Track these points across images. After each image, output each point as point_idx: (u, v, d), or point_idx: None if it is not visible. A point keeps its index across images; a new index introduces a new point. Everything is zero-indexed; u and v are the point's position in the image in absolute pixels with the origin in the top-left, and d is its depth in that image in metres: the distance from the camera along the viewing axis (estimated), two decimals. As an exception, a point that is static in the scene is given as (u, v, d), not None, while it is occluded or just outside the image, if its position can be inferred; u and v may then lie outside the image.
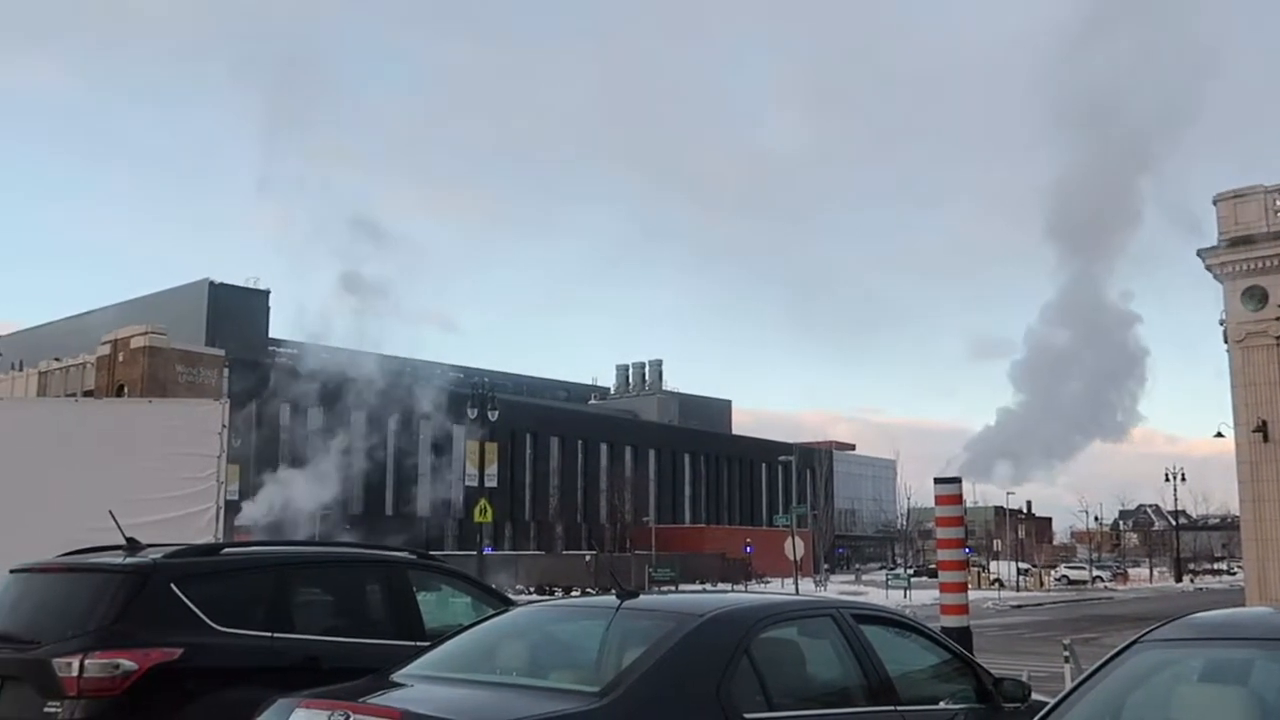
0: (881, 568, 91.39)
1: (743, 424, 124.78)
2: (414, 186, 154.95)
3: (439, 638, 5.90)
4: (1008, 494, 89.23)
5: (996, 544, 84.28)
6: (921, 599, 44.76)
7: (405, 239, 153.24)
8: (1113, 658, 3.94)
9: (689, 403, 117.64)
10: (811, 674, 5.55)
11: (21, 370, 78.08)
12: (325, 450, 63.45)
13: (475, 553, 46.78)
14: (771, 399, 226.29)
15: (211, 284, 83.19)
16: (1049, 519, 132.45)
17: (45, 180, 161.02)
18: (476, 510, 44.16)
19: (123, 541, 6.94)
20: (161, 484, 12.21)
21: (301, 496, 59.03)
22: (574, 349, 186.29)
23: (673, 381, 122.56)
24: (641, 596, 5.62)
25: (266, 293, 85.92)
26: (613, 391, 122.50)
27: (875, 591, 51.47)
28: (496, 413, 47.62)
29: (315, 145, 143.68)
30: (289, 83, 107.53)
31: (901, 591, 52.95)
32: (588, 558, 68.36)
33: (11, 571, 6.78)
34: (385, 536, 50.58)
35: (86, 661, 5.81)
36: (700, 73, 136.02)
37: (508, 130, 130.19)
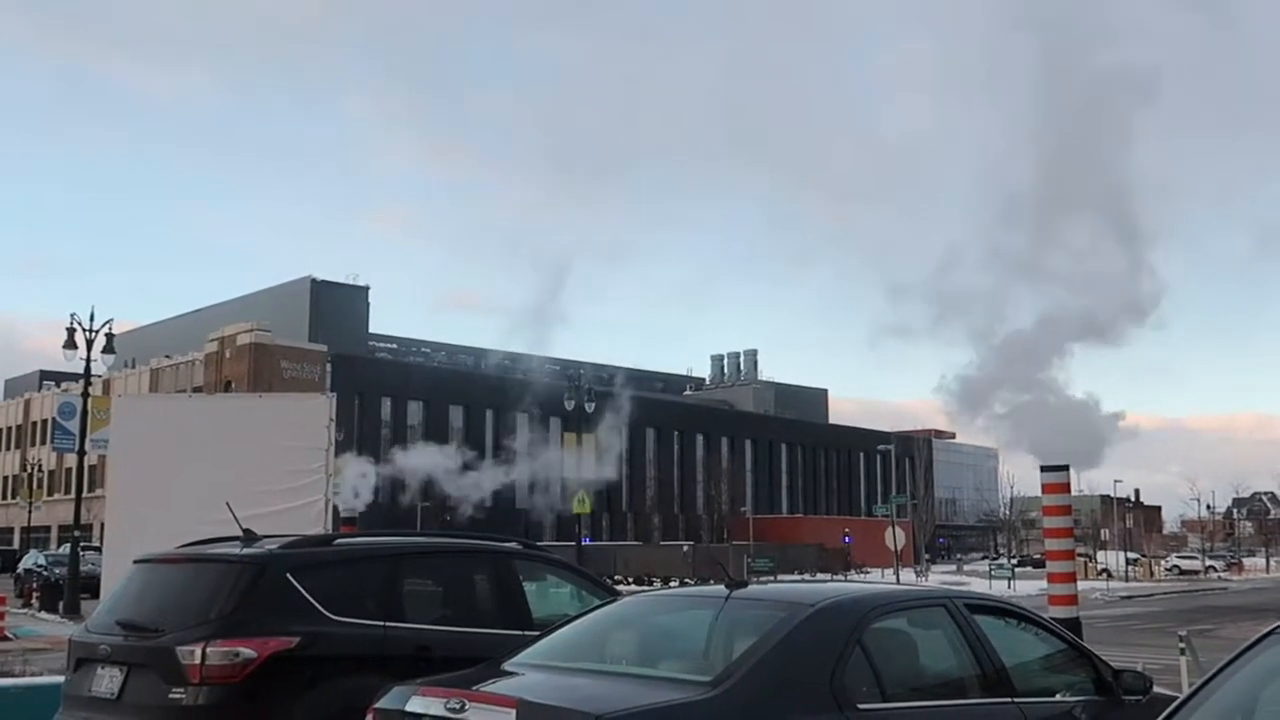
0: (983, 558, 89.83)
1: (841, 413, 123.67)
2: (518, 181, 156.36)
3: (547, 627, 5.93)
4: (1115, 482, 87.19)
5: (1104, 533, 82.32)
6: (1026, 589, 43.92)
7: (513, 234, 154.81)
8: (1248, 649, 3.79)
9: (785, 392, 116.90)
10: (925, 665, 5.47)
11: (134, 368, 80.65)
12: (425, 442, 64.38)
13: (574, 543, 47.08)
14: (871, 387, 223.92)
15: (314, 281, 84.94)
16: (1158, 507, 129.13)
17: (156, 181, 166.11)
18: (575, 501, 44.50)
19: (239, 533, 7.07)
20: (273, 477, 12.51)
21: (402, 489, 60.04)
22: (669, 340, 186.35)
23: (768, 371, 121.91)
24: (750, 586, 5.59)
25: (366, 289, 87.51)
26: (708, 382, 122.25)
27: (978, 582, 50.58)
28: (594, 405, 47.85)
29: (428, 142, 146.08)
30: (407, 80, 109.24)
31: (1005, 582, 52.01)
32: (685, 548, 68.38)
33: (136, 562, 6.97)
34: (483, 528, 51.18)
35: (208, 649, 5.94)
36: (816, 58, 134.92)
37: (610, 126, 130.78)
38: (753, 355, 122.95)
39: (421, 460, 52.87)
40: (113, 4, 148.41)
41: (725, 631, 5.19)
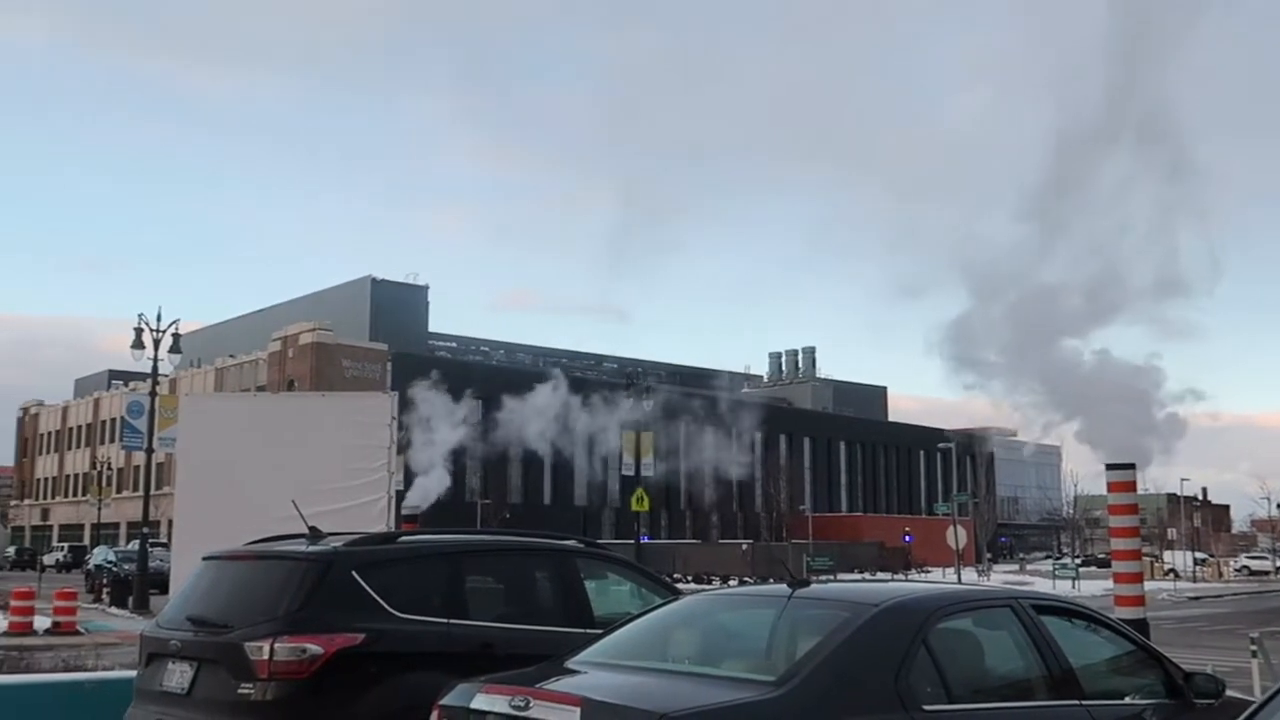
0: (1046, 557, 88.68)
1: (901, 410, 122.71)
2: (577, 179, 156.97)
3: (610, 625, 5.94)
4: (1182, 480, 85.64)
5: (1171, 533, 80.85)
6: (1091, 589, 43.29)
7: (572, 232, 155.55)
8: None
9: (843, 389, 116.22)
10: (991, 666, 5.40)
11: (200, 367, 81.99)
12: (484, 441, 64.72)
13: (633, 541, 47.14)
14: (931, 385, 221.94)
15: (374, 280, 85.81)
16: (1226, 506, 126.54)
17: (222, 182, 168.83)
18: (634, 499, 44.55)
19: (305, 530, 7.14)
20: (336, 474, 12.65)
21: (462, 486, 60.46)
22: (727, 338, 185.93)
23: (826, 368, 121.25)
24: (813, 585, 5.56)
25: (425, 288, 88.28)
26: (765, 379, 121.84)
27: (1041, 582, 49.94)
28: (652, 402, 47.87)
29: (488, 141, 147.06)
30: (468, 79, 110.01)
31: (1070, 582, 51.30)
32: (744, 547, 68.23)
33: (204, 559, 7.07)
34: (543, 526, 51.41)
35: (276, 645, 6.00)
36: (876, 51, 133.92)
37: (669, 123, 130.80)
38: (811, 353, 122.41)
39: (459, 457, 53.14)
40: (180, 7, 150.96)
41: (788, 631, 5.17)
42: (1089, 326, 16.10)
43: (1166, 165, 15.47)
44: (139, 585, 31.92)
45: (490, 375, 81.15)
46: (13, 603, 23.22)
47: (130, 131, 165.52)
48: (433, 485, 42.36)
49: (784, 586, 5.41)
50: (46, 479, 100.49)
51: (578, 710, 4.29)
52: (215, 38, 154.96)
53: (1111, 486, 16.07)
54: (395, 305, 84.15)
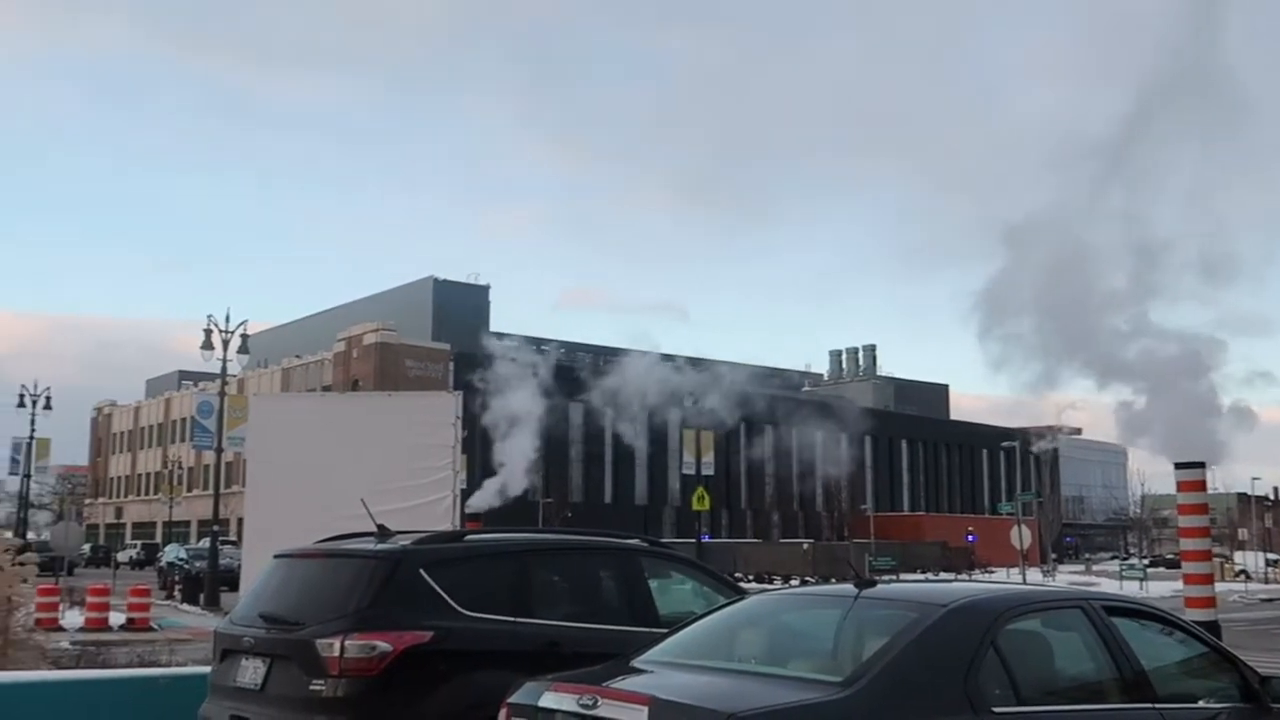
0: (1113, 557, 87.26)
1: (963, 409, 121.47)
2: (641, 178, 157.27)
3: (675, 625, 5.95)
4: (1253, 480, 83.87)
5: (1241, 533, 79.18)
6: (1159, 591, 42.53)
7: (634, 230, 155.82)
8: None
9: (905, 387, 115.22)
10: (1062, 668, 5.34)
11: (267, 367, 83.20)
12: (546, 440, 64.99)
13: (694, 540, 47.13)
14: (995, 383, 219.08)
15: (436, 280, 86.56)
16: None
17: (289, 184, 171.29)
18: (694, 498, 44.58)
19: (374, 528, 7.23)
20: (402, 473, 12.78)
21: (523, 485, 60.70)
22: (787, 335, 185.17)
23: (887, 366, 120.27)
24: (879, 585, 5.53)
25: (487, 287, 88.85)
26: (825, 377, 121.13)
27: (1108, 583, 49.14)
28: (712, 401, 47.82)
29: (551, 140, 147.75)
30: (530, 79, 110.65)
31: (1137, 583, 50.42)
32: (805, 546, 67.94)
33: (275, 557, 7.19)
34: (604, 525, 51.53)
35: (346, 642, 6.06)
36: (945, 50, 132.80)
37: (735, 122, 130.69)
38: (871, 351, 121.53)
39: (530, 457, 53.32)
40: (245, 14, 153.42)
41: (854, 631, 5.15)
42: (1146, 310, 15.88)
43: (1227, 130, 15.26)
44: (210, 582, 32.49)
45: (550, 374, 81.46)
46: (89, 599, 23.77)
47: (200, 134, 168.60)
48: (506, 484, 42.55)
49: (850, 586, 5.39)
50: (120, 478, 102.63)
51: (646, 709, 4.32)
52: (282, 41, 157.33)
53: (1181, 486, 15.82)
54: (457, 305, 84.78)
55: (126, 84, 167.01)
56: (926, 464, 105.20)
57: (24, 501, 69.11)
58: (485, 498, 41.52)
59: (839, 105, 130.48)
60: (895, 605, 5.19)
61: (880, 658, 4.58)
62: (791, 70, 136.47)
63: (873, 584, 5.46)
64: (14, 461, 65.35)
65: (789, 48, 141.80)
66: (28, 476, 64.24)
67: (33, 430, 59.88)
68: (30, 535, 49.81)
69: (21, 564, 11.35)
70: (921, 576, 55.70)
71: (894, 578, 49.46)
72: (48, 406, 58.93)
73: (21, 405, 58.19)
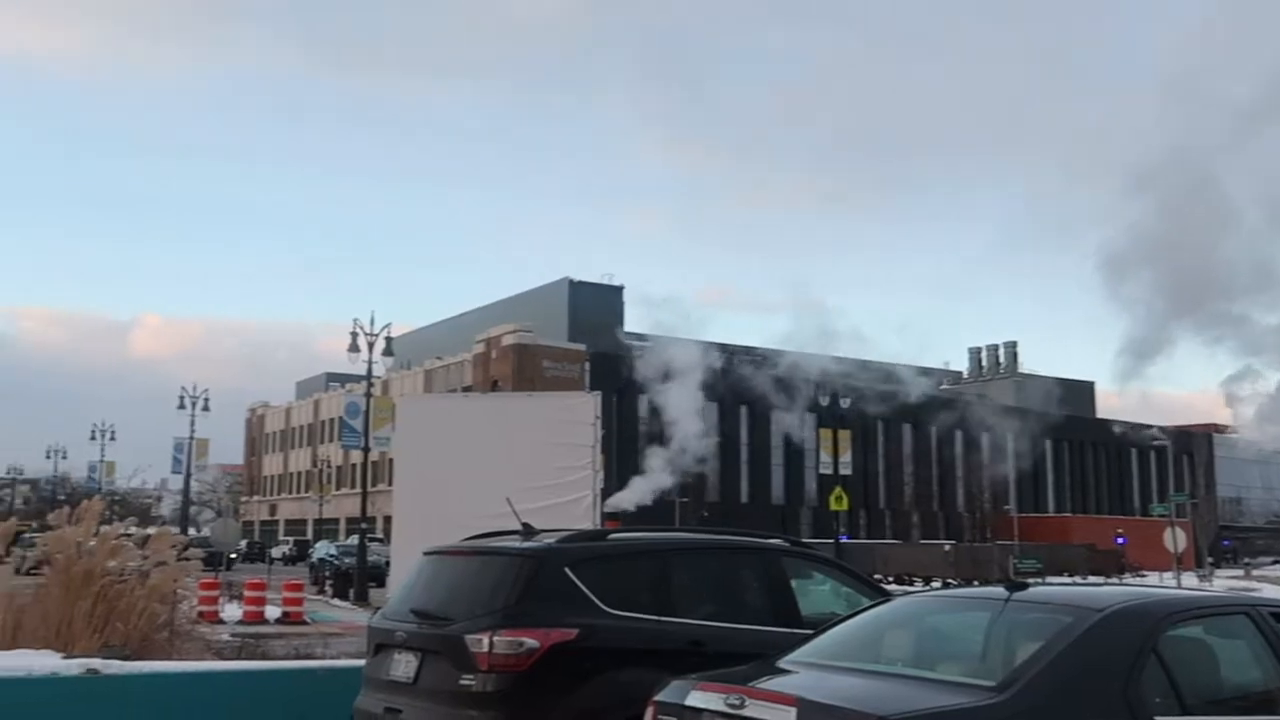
0: (1274, 562, 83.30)
1: (1110, 407, 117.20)
2: (773, 177, 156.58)
3: (820, 626, 5.91)
4: None
5: None
6: (1328, 597, 40.41)
7: (768, 229, 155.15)
8: None
9: (1048, 385, 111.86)
10: (1227, 677, 5.13)
11: (410, 369, 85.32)
12: (681, 439, 65.23)
13: (832, 541, 46.67)
14: (1145, 377, 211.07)
15: (571, 282, 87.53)
16: None
17: (426, 189, 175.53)
18: (832, 498, 44.15)
19: (519, 527, 7.36)
20: (544, 472, 12.98)
21: (660, 485, 61.03)
22: (924, 333, 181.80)
23: (1029, 363, 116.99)
24: (1032, 588, 5.41)
25: (621, 288, 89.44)
26: (965, 375, 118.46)
27: (1270, 588, 46.92)
28: (849, 400, 47.29)
29: (684, 140, 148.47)
30: (663, 79, 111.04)
31: (1302, 589, 48.01)
32: (946, 547, 66.62)
33: (425, 554, 7.38)
34: (740, 524, 51.37)
35: (495, 639, 6.19)
36: (1077, 37, 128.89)
37: (866, 117, 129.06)
38: (1012, 347, 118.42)
39: (680, 456, 53.54)
40: (382, 24, 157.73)
41: (1004, 635, 5.05)
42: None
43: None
44: (359, 578, 33.46)
45: (685, 374, 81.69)
46: (246, 593, 24.72)
47: (343, 142, 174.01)
48: (651, 485, 42.83)
49: (1000, 589, 5.30)
50: (273, 476, 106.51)
51: (793, 710, 4.30)
52: (417, 50, 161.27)
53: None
54: (592, 306, 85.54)
55: (274, 96, 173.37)
56: (1072, 464, 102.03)
57: (186, 499, 72.40)
58: (629, 496, 41.81)
59: (968, 94, 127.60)
60: (1049, 609, 5.07)
61: (1035, 662, 4.47)
62: (916, 60, 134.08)
63: (1024, 587, 5.35)
64: (176, 460, 68.57)
65: (911, 38, 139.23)
66: (189, 475, 67.36)
67: (192, 431, 62.70)
68: (191, 531, 52.07)
69: (187, 559, 11.88)
70: (1068, 580, 54.03)
71: (1040, 581, 47.99)
72: (206, 408, 61.66)
73: (182, 407, 61.03)
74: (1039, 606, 5.14)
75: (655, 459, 54.65)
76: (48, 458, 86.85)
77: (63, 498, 68.17)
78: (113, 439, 76.26)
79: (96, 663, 7.71)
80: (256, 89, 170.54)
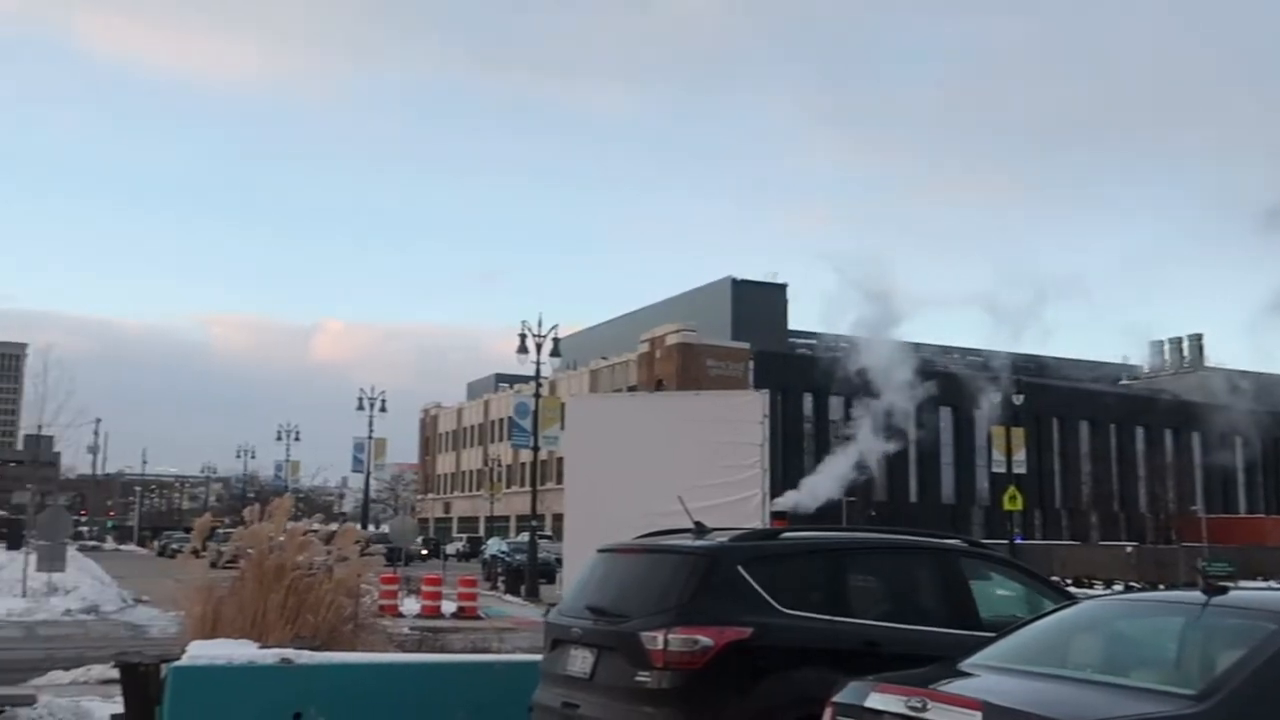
0: None
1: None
2: (940, 171, 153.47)
3: (1002, 629, 5.77)
4: None
5: None
6: None
7: (935, 223, 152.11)
8: None
9: (1235, 379, 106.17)
10: None
11: (576, 369, 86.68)
12: (847, 437, 64.37)
13: (1005, 541, 45.39)
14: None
15: (734, 281, 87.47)
16: None
17: (592, 192, 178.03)
18: (1005, 497, 42.93)
19: (689, 525, 7.38)
20: (712, 471, 13.00)
21: (826, 483, 60.36)
22: (1101, 326, 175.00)
23: (1216, 357, 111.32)
24: (1232, 593, 5.15)
25: (784, 286, 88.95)
26: (1146, 370, 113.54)
27: None
28: (1022, 396, 45.91)
29: (847, 136, 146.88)
30: (825, 76, 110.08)
31: None
32: (1128, 549, 63.92)
33: (599, 551, 7.48)
34: (909, 524, 50.41)
35: (670, 636, 6.23)
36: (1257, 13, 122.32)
37: (1037, 108, 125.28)
38: (1197, 340, 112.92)
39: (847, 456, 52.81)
40: (544, 32, 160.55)
41: (1202, 641, 4.85)
42: None
43: None
44: (530, 575, 34.14)
45: (850, 371, 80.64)
46: (424, 588, 25.50)
47: (509, 149, 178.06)
48: (823, 487, 42.43)
49: (1197, 594, 5.06)
50: (446, 475, 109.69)
51: (979, 714, 4.21)
52: (580, 56, 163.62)
53: None
54: (755, 304, 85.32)
55: (444, 105, 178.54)
56: (1265, 462, 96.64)
57: (367, 496, 75.26)
58: (799, 497, 41.49)
59: (1145, 78, 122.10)
60: (1252, 615, 4.83)
61: (1239, 670, 4.26)
62: (1089, 47, 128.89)
63: (1223, 591, 5.10)
64: (356, 460, 71.40)
65: (1082, 25, 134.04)
66: (369, 473, 70.03)
67: (370, 431, 65.16)
68: (369, 528, 54.03)
69: (370, 554, 12.34)
70: (1264, 584, 51.23)
71: (1232, 584, 45.58)
72: (383, 409, 64.02)
73: (360, 408, 63.49)
74: (1240, 612, 4.90)
75: (836, 460, 53.97)
76: (237, 457, 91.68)
77: (252, 495, 71.75)
78: (297, 439, 79.97)
79: (289, 652, 8.08)
80: (427, 100, 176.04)
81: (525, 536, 41.07)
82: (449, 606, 25.04)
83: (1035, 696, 4.42)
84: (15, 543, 34.77)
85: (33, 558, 24.49)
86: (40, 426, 30.45)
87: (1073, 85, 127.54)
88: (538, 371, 38.51)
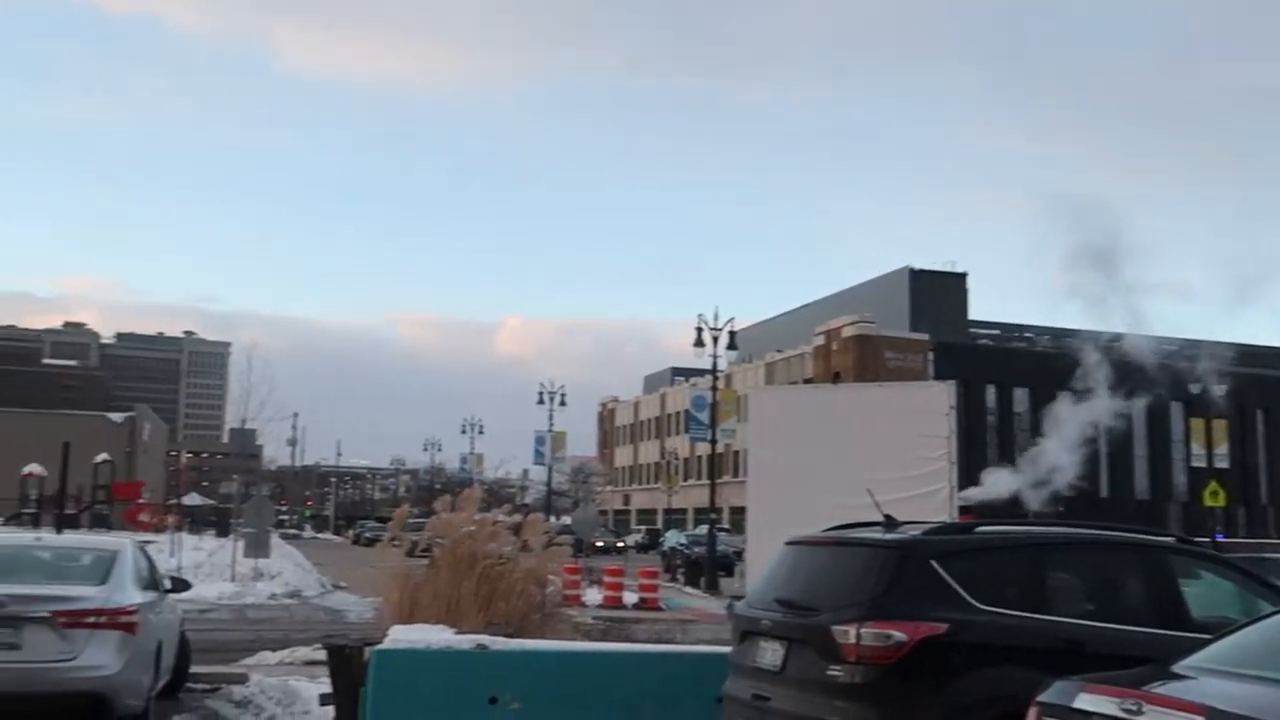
0: None
1: None
2: (1127, 155, 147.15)
3: (1213, 630, 5.49)
4: None
5: None
6: None
7: (1118, 207, 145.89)
8: None
9: None
10: None
11: (751, 362, 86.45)
12: (1032, 430, 62.27)
13: (1206, 539, 43.17)
14: None
15: (911, 270, 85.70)
16: None
17: (766, 186, 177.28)
18: (1206, 493, 40.86)
19: (878, 518, 7.25)
20: (898, 463, 12.79)
21: (1012, 477, 58.54)
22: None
23: None
24: None
25: (964, 275, 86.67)
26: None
27: None
28: (1224, 386, 43.56)
29: (1030, 121, 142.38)
30: (1008, 62, 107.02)
31: None
32: (1343, 548, 59.94)
33: (787, 543, 7.43)
34: (1099, 519, 48.28)
35: (862, 630, 6.13)
36: None
37: (1234, 89, 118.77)
38: None
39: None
40: (724, 23, 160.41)
41: None
42: None
43: None
44: (709, 568, 34.25)
45: (1036, 362, 78.04)
46: (606, 579, 25.88)
47: (684, 143, 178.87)
48: (1005, 480, 41.15)
49: None
50: (624, 467, 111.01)
51: (1202, 719, 4.00)
52: (745, 50, 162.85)
53: None
54: (934, 294, 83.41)
55: (621, 106, 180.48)
56: None
57: (549, 488, 76.87)
58: (983, 491, 40.33)
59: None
60: None
61: None
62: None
63: None
64: (538, 452, 73.06)
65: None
66: (551, 465, 71.55)
67: (550, 424, 66.48)
68: (551, 519, 55.11)
69: (556, 545, 12.60)
70: None
71: None
72: (563, 403, 65.23)
73: (541, 402, 64.83)
74: None
75: (1040, 459, 52.22)
76: (424, 450, 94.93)
77: (439, 486, 74.14)
78: (481, 432, 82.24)
79: (484, 638, 8.32)
80: (607, 102, 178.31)
81: (703, 529, 41.18)
82: (630, 597, 25.32)
83: (1263, 703, 4.18)
84: (224, 530, 36.85)
85: (240, 545, 25.90)
86: (244, 420, 32.13)
87: (1251, 58, 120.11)
88: (714, 365, 38.55)
